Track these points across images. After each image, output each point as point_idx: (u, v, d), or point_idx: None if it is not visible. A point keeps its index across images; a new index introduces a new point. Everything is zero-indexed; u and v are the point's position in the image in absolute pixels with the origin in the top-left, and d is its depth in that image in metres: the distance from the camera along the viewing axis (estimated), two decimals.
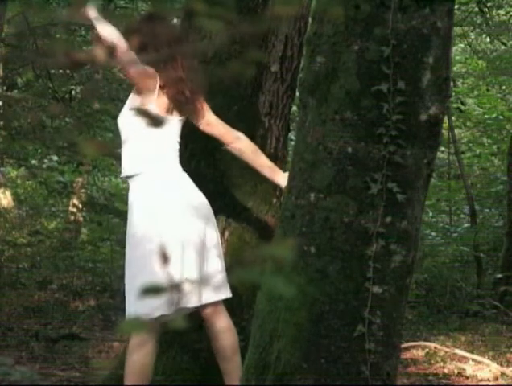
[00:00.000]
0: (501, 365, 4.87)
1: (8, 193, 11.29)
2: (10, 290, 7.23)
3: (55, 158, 9.61)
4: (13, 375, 2.69)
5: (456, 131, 10.08)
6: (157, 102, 3.27)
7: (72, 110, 7.81)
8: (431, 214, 9.63)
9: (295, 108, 5.14)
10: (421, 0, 2.38)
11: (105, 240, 8.20)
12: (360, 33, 2.39)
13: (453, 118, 9.58)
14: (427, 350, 5.23)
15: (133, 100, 3.37)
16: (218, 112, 3.57)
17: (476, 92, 11.72)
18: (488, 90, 11.83)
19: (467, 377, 4.64)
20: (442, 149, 9.01)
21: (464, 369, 4.74)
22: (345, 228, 2.39)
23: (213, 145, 3.57)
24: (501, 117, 10.66)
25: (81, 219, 10.55)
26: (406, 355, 5.06)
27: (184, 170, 3.35)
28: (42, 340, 5.33)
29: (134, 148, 3.31)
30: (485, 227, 9.11)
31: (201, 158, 3.75)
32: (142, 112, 1.28)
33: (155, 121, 1.30)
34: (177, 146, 3.33)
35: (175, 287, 1.07)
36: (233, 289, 3.33)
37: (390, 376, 2.44)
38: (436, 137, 2.46)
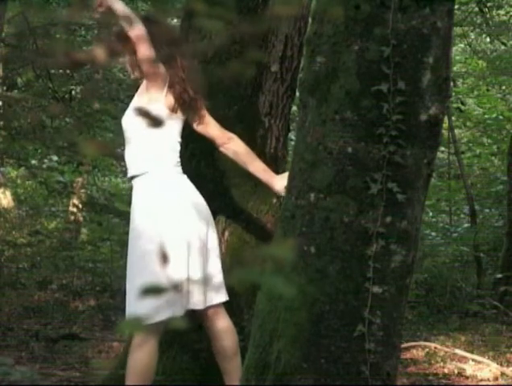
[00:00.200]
0: (501, 365, 4.87)
1: (8, 193, 11.29)
2: (10, 290, 7.23)
3: (55, 158, 9.60)
4: (13, 375, 2.69)
5: (456, 131, 10.08)
6: (165, 101, 3.28)
7: (72, 110, 7.81)
8: (431, 214, 9.63)
9: (295, 108, 5.14)
10: (421, 0, 2.38)
11: (105, 240, 8.20)
12: (360, 33, 2.39)
13: (453, 118, 9.58)
14: (427, 350, 5.23)
15: (138, 100, 3.36)
16: (218, 112, 3.57)
17: (476, 92, 11.72)
18: (488, 90, 11.83)
19: (467, 377, 4.64)
20: (442, 149, 9.01)
21: (464, 369, 4.74)
22: (345, 228, 2.39)
23: (213, 145, 3.57)
24: (501, 117, 10.66)
25: (81, 219, 10.55)
26: (406, 355, 5.06)
27: (184, 170, 3.36)
28: (42, 340, 5.33)
29: (136, 148, 3.32)
30: (485, 227, 9.11)
31: (201, 158, 3.75)
32: (142, 112, 1.28)
33: (155, 122, 1.30)
34: (178, 147, 3.34)
35: (182, 288, 1.07)
36: (232, 289, 3.33)
37: (390, 376, 2.44)
38: (436, 137, 2.46)
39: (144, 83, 3.35)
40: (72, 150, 7.78)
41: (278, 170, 3.88)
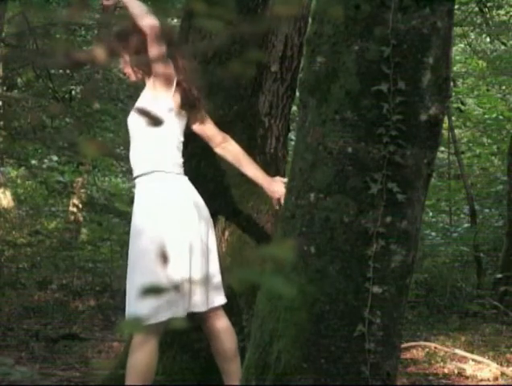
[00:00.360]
0: (501, 365, 4.87)
1: (8, 193, 11.29)
2: (10, 290, 7.23)
3: (55, 158, 9.61)
4: (13, 375, 2.70)
5: (456, 131, 10.08)
6: (173, 98, 3.29)
7: (72, 110, 7.81)
8: (431, 214, 9.63)
9: (295, 108, 5.14)
10: (421, 0, 2.38)
11: (105, 240, 8.20)
12: (360, 33, 2.39)
13: (453, 118, 9.58)
14: (427, 350, 5.23)
15: (145, 99, 3.35)
16: (218, 112, 3.57)
17: (476, 92, 11.72)
18: (488, 90, 11.83)
19: (467, 377, 4.64)
20: (442, 149, 9.01)
21: (464, 369, 4.74)
22: (345, 228, 2.39)
23: (209, 145, 3.57)
24: (501, 117, 10.66)
25: (81, 219, 10.55)
26: (406, 355, 5.06)
27: (184, 170, 3.36)
28: (42, 340, 5.33)
29: (141, 148, 3.32)
30: (485, 227, 9.11)
31: (201, 158, 3.75)
32: (142, 112, 1.28)
33: (155, 121, 1.30)
34: (181, 146, 3.34)
35: (183, 289, 1.07)
36: (233, 289, 3.33)
37: (390, 376, 2.44)
38: (436, 137, 2.46)
39: (150, 82, 3.34)
40: (72, 150, 7.78)
41: (278, 170, 3.88)
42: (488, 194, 9.93)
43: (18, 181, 13.14)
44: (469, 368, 4.75)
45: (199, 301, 3.19)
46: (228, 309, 3.36)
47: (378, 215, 2.38)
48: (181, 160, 3.33)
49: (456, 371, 4.74)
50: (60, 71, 8.14)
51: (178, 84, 3.31)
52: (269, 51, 3.84)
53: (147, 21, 3.19)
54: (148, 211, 3.23)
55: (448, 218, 9.54)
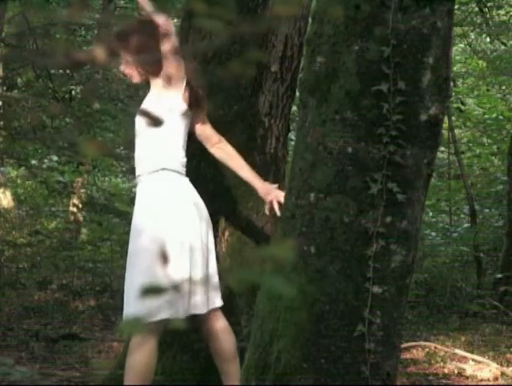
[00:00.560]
0: (501, 365, 4.87)
1: (8, 193, 11.29)
2: (10, 290, 7.23)
3: (55, 158, 9.61)
4: (13, 375, 2.70)
5: (456, 131, 10.08)
6: (183, 97, 3.29)
7: (72, 110, 7.81)
8: (431, 214, 9.63)
9: (295, 108, 5.14)
10: (421, 0, 2.38)
11: (105, 240, 8.20)
12: (360, 33, 2.39)
13: (453, 118, 9.58)
14: (427, 350, 5.23)
15: (154, 98, 3.33)
16: (218, 112, 3.57)
17: (476, 92, 11.72)
18: (488, 90, 11.83)
19: (467, 377, 4.64)
20: (442, 149, 9.01)
21: (464, 369, 4.74)
22: (345, 228, 2.39)
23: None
24: (501, 117, 10.66)
25: (81, 219, 10.55)
26: (406, 355, 5.06)
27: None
28: (42, 340, 5.33)
29: (145, 146, 3.31)
30: (485, 227, 9.11)
31: (201, 158, 3.75)
32: (143, 112, 1.28)
33: (156, 122, 1.30)
34: (185, 146, 3.34)
35: (183, 289, 1.07)
36: (232, 289, 3.32)
37: (390, 376, 2.44)
38: (436, 137, 2.46)
39: (156, 82, 3.32)
40: (72, 150, 7.78)
41: (278, 170, 3.88)
42: (488, 194, 9.93)
43: (18, 181, 13.14)
44: (469, 368, 4.75)
45: (199, 303, 3.18)
46: (228, 309, 3.36)
47: (378, 215, 2.38)
48: (185, 159, 3.33)
49: (456, 371, 4.74)
50: (60, 71, 8.15)
51: (187, 84, 3.30)
52: (269, 51, 3.84)
53: (161, 18, 3.18)
54: (149, 211, 3.22)
55: (448, 218, 9.54)
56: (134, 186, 3.40)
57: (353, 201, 2.39)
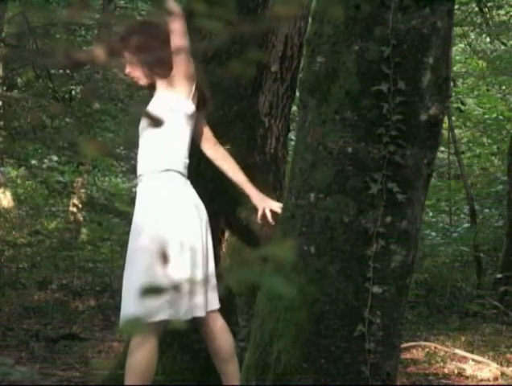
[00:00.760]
0: (501, 365, 4.86)
1: (8, 193, 11.29)
2: (10, 290, 7.23)
3: (55, 158, 9.61)
4: (13, 375, 2.70)
5: (456, 131, 10.08)
6: (193, 100, 3.29)
7: (72, 110, 7.81)
8: (431, 214, 9.63)
9: (295, 108, 5.14)
10: (421, 0, 2.38)
11: (105, 240, 8.20)
12: (360, 33, 2.39)
13: (453, 118, 9.58)
14: (427, 350, 5.23)
15: (162, 99, 3.30)
16: (218, 112, 3.57)
17: (476, 92, 11.72)
18: (488, 90, 11.83)
19: (467, 377, 4.64)
20: (442, 149, 9.01)
21: (464, 369, 4.74)
22: (345, 228, 2.39)
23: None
24: (501, 117, 10.66)
25: (81, 219, 10.55)
26: (406, 355, 5.06)
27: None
28: (42, 340, 5.33)
29: (146, 147, 3.30)
30: (485, 227, 9.11)
31: (201, 158, 3.75)
32: (145, 113, 1.28)
33: (156, 122, 1.30)
34: (189, 147, 3.32)
35: (183, 289, 1.07)
36: (232, 289, 3.33)
37: (390, 376, 2.44)
38: (436, 137, 2.46)
39: (164, 83, 3.29)
40: (72, 150, 7.78)
41: (278, 170, 3.88)
42: (488, 194, 9.93)
43: (18, 181, 13.14)
44: (469, 368, 4.75)
45: (199, 304, 3.18)
46: (227, 309, 3.36)
47: (378, 215, 2.38)
48: (187, 161, 3.31)
49: (456, 371, 4.74)
50: (60, 71, 8.15)
51: (197, 85, 3.29)
52: (269, 51, 3.84)
53: (177, 25, 3.12)
54: (149, 210, 3.22)
55: (448, 218, 9.54)
56: (134, 186, 3.39)
57: (353, 201, 2.39)
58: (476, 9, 9.57)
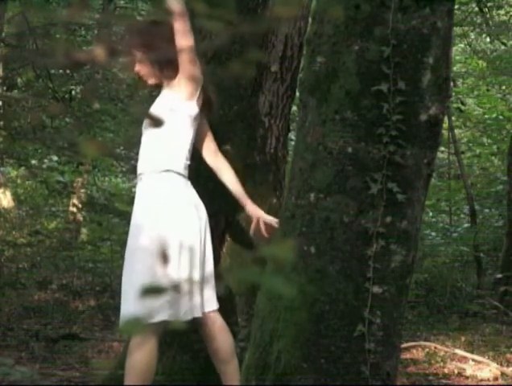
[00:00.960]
0: (501, 365, 4.86)
1: (8, 193, 11.29)
2: (10, 290, 7.23)
3: (55, 158, 9.61)
4: (13, 375, 2.69)
5: (456, 131, 10.08)
6: (198, 102, 3.28)
7: (72, 110, 7.81)
8: (431, 214, 9.63)
9: (295, 108, 5.14)
10: (421, 0, 2.38)
11: (105, 240, 8.20)
12: (360, 33, 2.39)
13: (453, 118, 9.58)
14: (427, 350, 5.23)
15: (163, 99, 3.30)
16: (218, 112, 3.57)
17: (476, 92, 11.72)
18: (488, 90, 11.83)
19: (467, 377, 4.64)
20: (442, 149, 9.01)
21: (464, 369, 4.74)
22: (345, 228, 2.39)
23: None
24: (501, 117, 10.66)
25: (81, 219, 10.55)
26: (406, 355, 5.06)
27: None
28: (42, 340, 5.33)
29: (147, 147, 3.30)
30: (485, 227, 9.11)
31: (201, 159, 3.75)
32: (145, 113, 1.28)
33: (156, 122, 1.30)
34: (191, 149, 3.32)
35: (183, 289, 1.06)
36: (232, 289, 3.32)
37: (390, 376, 2.44)
38: (436, 137, 2.46)
39: (170, 84, 3.29)
40: (72, 150, 7.77)
41: (278, 170, 3.88)
42: (488, 194, 9.93)
43: (18, 181, 13.13)
44: (469, 368, 4.75)
45: (198, 305, 3.18)
46: (227, 309, 3.36)
47: (378, 215, 2.38)
48: (189, 162, 3.31)
49: (456, 371, 4.74)
50: (60, 71, 8.15)
51: (203, 87, 3.29)
52: (269, 51, 3.84)
53: (182, 25, 3.10)
54: (149, 210, 3.22)
55: (448, 218, 9.54)
56: (134, 185, 3.38)
57: (353, 201, 2.39)
58: (476, 9, 9.57)
